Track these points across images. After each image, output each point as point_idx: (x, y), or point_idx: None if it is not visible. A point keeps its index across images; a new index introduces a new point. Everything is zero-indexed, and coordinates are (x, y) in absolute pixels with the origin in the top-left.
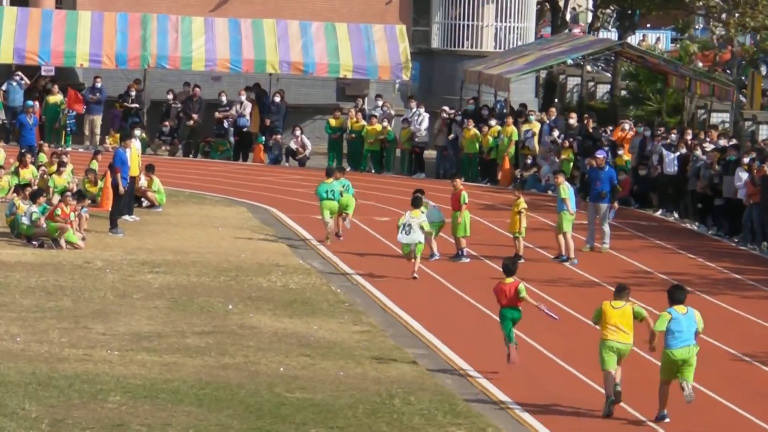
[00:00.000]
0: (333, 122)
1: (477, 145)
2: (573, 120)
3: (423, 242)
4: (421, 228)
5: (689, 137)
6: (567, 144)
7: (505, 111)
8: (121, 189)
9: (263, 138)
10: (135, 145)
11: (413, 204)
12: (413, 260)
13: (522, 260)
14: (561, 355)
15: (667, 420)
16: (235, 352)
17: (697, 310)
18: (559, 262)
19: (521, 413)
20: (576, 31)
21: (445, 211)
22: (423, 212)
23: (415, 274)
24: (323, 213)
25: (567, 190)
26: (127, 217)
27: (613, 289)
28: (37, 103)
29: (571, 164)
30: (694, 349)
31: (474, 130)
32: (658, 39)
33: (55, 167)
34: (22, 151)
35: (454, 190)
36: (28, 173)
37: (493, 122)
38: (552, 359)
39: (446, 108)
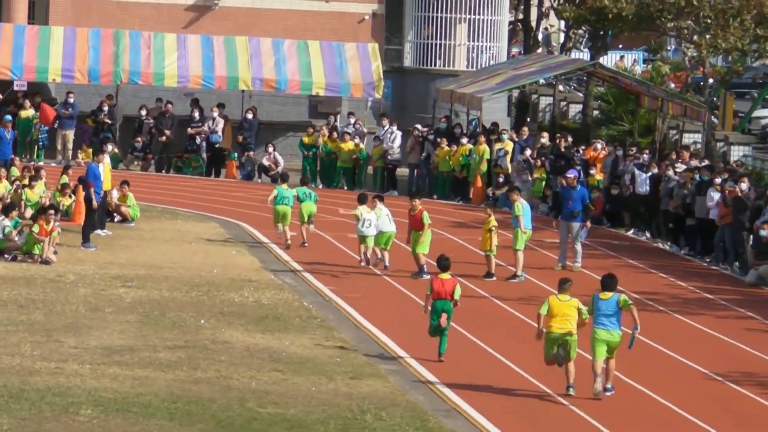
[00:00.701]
0: (306, 139)
1: (450, 163)
2: (545, 139)
3: (373, 235)
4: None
5: (675, 159)
6: (539, 163)
7: (478, 130)
8: (94, 204)
9: (236, 154)
10: (105, 159)
11: (360, 201)
12: (371, 251)
13: (494, 278)
14: (534, 373)
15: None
16: (207, 367)
17: (622, 295)
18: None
19: (491, 427)
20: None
21: (401, 225)
22: (378, 210)
23: (363, 262)
24: (275, 218)
25: (521, 208)
26: (99, 231)
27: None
28: (8, 116)
29: (543, 183)
30: (617, 335)
31: (447, 148)
32: (635, 60)
33: (27, 180)
34: None
35: (413, 210)
36: (1, 187)
37: (464, 141)
38: (526, 377)
39: (418, 126)
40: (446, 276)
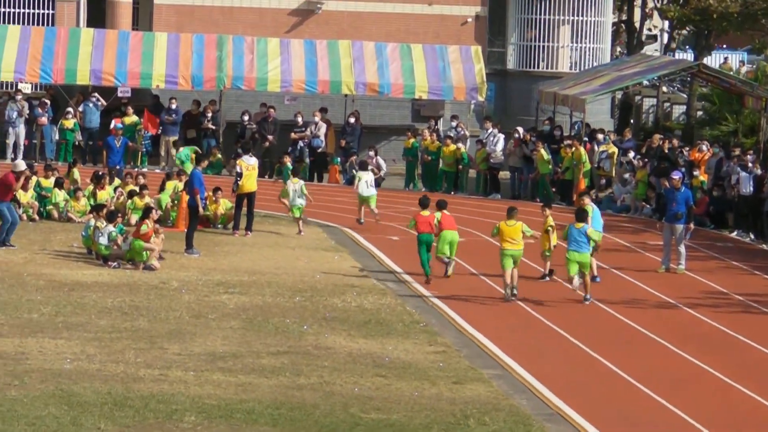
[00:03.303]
0: (406, 143)
1: (549, 166)
2: (658, 143)
3: (304, 204)
4: (302, 191)
5: None
6: (641, 164)
7: (581, 132)
8: (200, 210)
9: (338, 159)
10: (250, 161)
11: (294, 173)
12: (300, 220)
13: (547, 278)
14: (638, 377)
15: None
16: (310, 373)
17: (590, 227)
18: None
19: None
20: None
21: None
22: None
23: (302, 232)
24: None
25: (592, 209)
26: (250, 233)
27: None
28: (119, 123)
29: (646, 185)
30: (587, 255)
31: (543, 152)
32: (742, 62)
33: (137, 189)
34: (99, 173)
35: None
36: (105, 194)
37: (568, 143)
38: (630, 381)
39: (519, 128)
40: (426, 212)
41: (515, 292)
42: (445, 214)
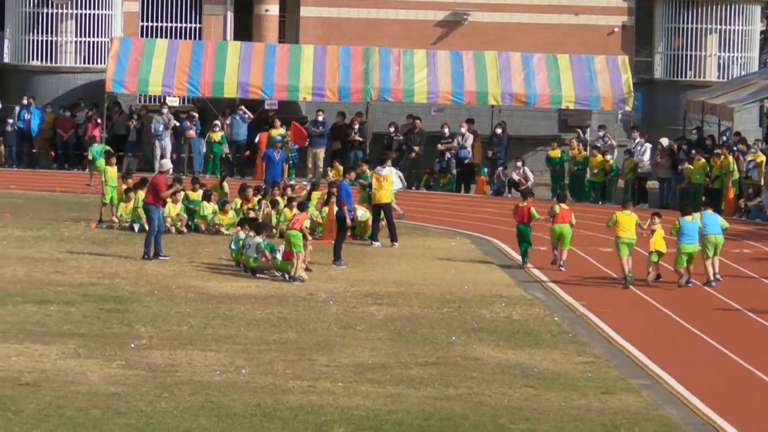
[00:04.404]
0: (551, 153)
1: (704, 176)
2: None
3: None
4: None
5: None
6: None
7: (730, 141)
8: (348, 222)
9: (485, 170)
10: (382, 172)
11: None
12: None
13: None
14: None
15: (690, 284)
16: (459, 383)
17: (709, 214)
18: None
19: None
20: None
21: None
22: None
23: None
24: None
25: (706, 214)
26: (377, 243)
27: None
28: (278, 135)
29: None
30: (696, 245)
31: (703, 161)
32: None
33: (279, 199)
34: (245, 185)
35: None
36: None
37: (717, 152)
38: None
39: (663, 139)
40: (523, 204)
41: (631, 276)
42: (563, 208)
